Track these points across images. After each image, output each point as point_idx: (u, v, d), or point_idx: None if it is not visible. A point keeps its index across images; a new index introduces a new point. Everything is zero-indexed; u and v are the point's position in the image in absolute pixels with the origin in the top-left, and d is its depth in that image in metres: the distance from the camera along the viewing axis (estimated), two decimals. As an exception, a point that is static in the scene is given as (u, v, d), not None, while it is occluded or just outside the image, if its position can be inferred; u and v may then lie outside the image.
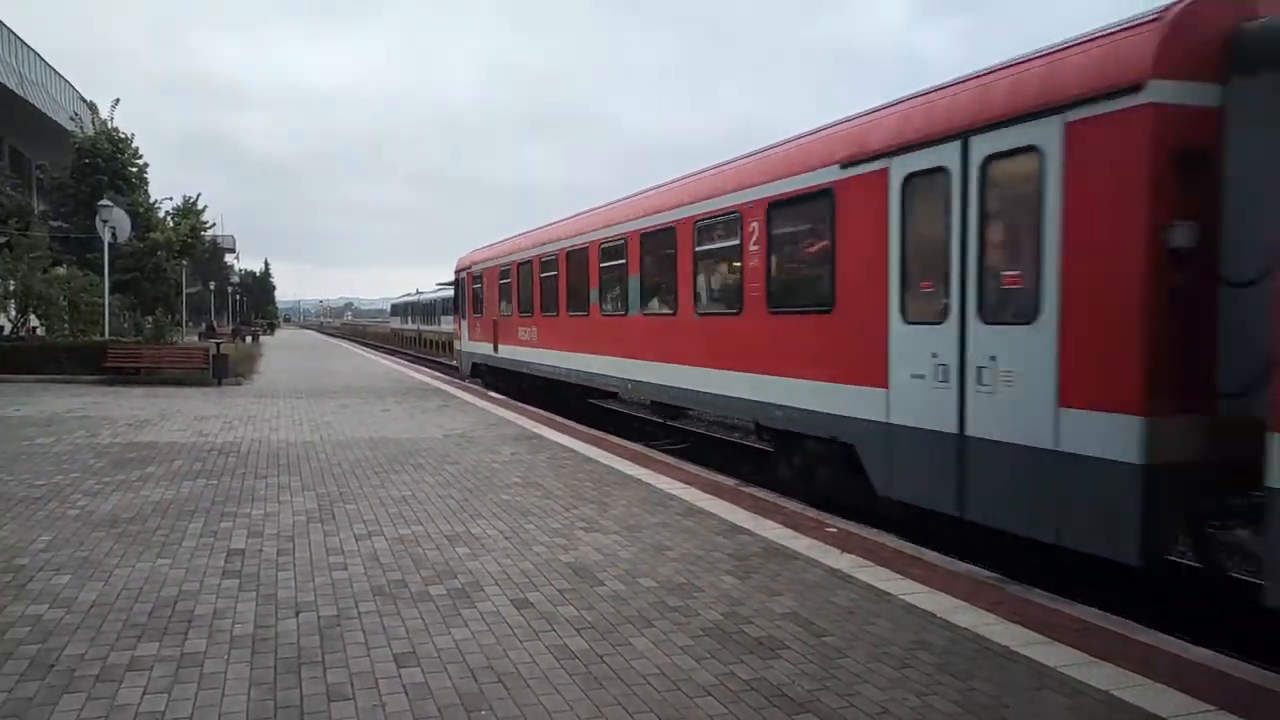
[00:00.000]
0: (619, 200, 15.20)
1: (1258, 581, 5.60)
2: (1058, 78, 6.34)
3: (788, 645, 4.89)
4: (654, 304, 13.20)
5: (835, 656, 4.74)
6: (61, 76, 38.39)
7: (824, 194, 8.87)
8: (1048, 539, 6.36)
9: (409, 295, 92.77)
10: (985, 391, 6.87)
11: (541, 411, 16.45)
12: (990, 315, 6.85)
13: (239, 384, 22.66)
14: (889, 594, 5.80)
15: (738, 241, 10.55)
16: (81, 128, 34.32)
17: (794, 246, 9.98)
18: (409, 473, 9.99)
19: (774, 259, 10.04)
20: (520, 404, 17.79)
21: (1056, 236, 6.26)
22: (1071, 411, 6.16)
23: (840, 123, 9.09)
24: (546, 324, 18.09)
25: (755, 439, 12.51)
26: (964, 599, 5.67)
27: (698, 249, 11.60)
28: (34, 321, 26.71)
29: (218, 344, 25.97)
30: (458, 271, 26.68)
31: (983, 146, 6.90)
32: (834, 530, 7.52)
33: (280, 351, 43.04)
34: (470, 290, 25.07)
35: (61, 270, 27.70)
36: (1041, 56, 6.64)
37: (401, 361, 35.94)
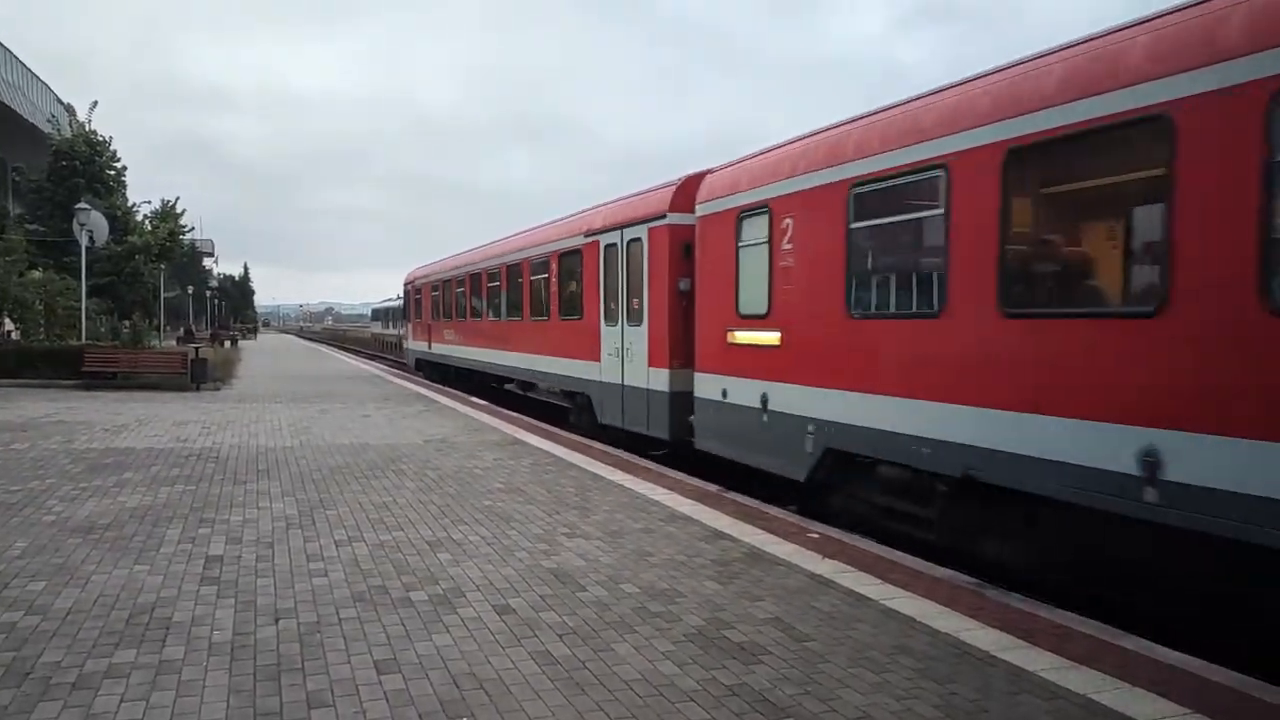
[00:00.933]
0: (498, 240, 21.79)
1: (708, 449, 11.19)
2: (645, 208, 12.85)
3: (770, 650, 4.91)
4: (512, 313, 19.55)
5: (817, 661, 4.75)
6: (39, 79, 38.06)
7: (576, 252, 15.24)
8: (643, 431, 12.73)
9: (391, 300, 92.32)
10: (629, 361, 13.17)
11: (522, 417, 16.46)
12: (629, 321, 13.15)
13: (218, 389, 22.47)
14: (870, 599, 5.82)
15: (547, 275, 16.83)
16: (59, 130, 34.02)
17: (570, 279, 15.75)
18: (390, 478, 9.94)
19: (561, 286, 16.24)
20: (501, 410, 17.77)
21: (647, 281, 12.55)
22: (652, 369, 12.46)
23: (584, 211, 15.69)
24: (460, 327, 24.54)
25: (563, 399, 17.46)
26: (944, 604, 5.71)
27: (533, 277, 17.87)
28: (9, 325, 26.42)
29: (196, 348, 25.75)
30: (405, 285, 33.04)
31: (627, 234, 13.25)
32: (816, 536, 7.55)
33: (260, 356, 42.73)
34: (413, 300, 31.73)
35: (38, 274, 27.41)
36: (640, 195, 13.39)
37: (382, 367, 35.75)
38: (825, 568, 6.55)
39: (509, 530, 7.58)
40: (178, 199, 38.12)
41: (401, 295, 35.24)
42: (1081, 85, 6.18)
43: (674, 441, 11.97)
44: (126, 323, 27.84)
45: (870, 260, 8.44)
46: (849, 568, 6.55)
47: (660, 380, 12.13)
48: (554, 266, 16.35)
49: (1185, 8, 5.61)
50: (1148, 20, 5.88)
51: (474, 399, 20.20)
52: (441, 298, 26.71)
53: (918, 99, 7.97)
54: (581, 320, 14.85)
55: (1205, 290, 5.31)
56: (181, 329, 58.10)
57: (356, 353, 53.81)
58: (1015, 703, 4.26)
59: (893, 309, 8.17)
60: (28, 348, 23.45)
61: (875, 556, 6.91)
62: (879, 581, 6.21)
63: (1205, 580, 5.68)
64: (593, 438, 13.58)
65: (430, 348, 28.25)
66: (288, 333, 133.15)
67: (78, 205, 26.34)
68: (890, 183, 7.86)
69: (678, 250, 11.87)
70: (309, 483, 9.65)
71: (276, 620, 5.26)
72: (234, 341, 56.53)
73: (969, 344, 6.98)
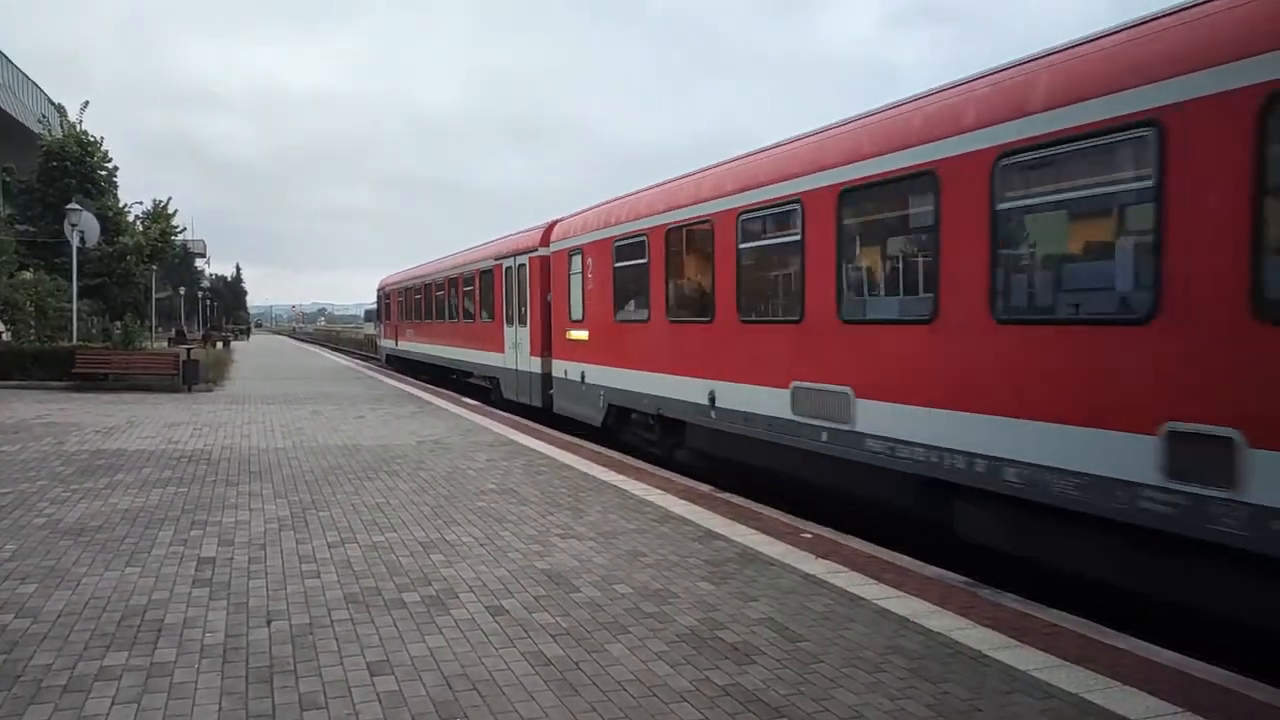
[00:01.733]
0: (444, 256, 27.13)
1: (559, 410, 15.92)
2: (526, 242, 17.48)
3: (763, 650, 4.91)
4: (452, 317, 24.74)
5: (810, 661, 4.76)
6: (29, 79, 37.89)
7: (490, 271, 20.24)
8: (527, 402, 17.18)
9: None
10: (519, 352, 17.83)
11: (514, 417, 16.45)
12: (520, 324, 17.78)
13: (209, 390, 22.41)
14: (863, 599, 5.83)
15: (473, 288, 22.19)
16: (49, 130, 33.84)
17: (488, 291, 20.69)
18: (383, 479, 9.93)
19: (482, 297, 21.31)
20: (494, 410, 17.77)
21: (527, 295, 17.26)
22: (532, 357, 16.89)
23: (500, 238, 20.76)
24: (417, 328, 30.07)
25: (486, 383, 22.08)
26: (937, 604, 5.72)
27: (465, 289, 23.14)
28: (0, 327, 26.26)
29: (188, 349, 25.66)
30: (377, 290, 39.08)
31: (518, 260, 17.98)
32: (809, 536, 7.56)
33: (252, 357, 42.61)
34: (383, 304, 37.72)
35: (28, 275, 27.26)
36: (525, 232, 18.17)
37: (375, 368, 35.66)
38: (818, 568, 6.56)
39: (502, 531, 7.57)
40: (169, 199, 37.98)
41: (376, 300, 40.97)
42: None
43: (543, 408, 16.69)
44: (118, 324, 27.71)
45: (621, 287, 13.36)
46: (842, 568, 6.57)
47: (535, 365, 17.10)
48: (478, 281, 21.70)
49: (946, 89, 7.49)
50: (923, 96, 7.78)
51: (466, 399, 20.20)
52: (405, 303, 32.35)
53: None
54: (493, 323, 20.14)
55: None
56: (173, 330, 57.82)
57: (349, 353, 53.67)
58: (1008, 702, 4.27)
59: (630, 318, 13.04)
60: (18, 349, 23.32)
61: (868, 556, 6.92)
62: (872, 581, 6.22)
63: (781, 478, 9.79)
64: (503, 409, 18.36)
65: (397, 345, 33.85)
66: (280, 333, 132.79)
67: (69, 205, 26.22)
68: (630, 240, 12.96)
69: (544, 273, 16.67)
70: (301, 484, 9.63)
71: (269, 622, 5.25)
72: (226, 343, 56.30)
73: (658, 339, 12.10)
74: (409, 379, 27.45)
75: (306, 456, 11.56)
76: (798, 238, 8.99)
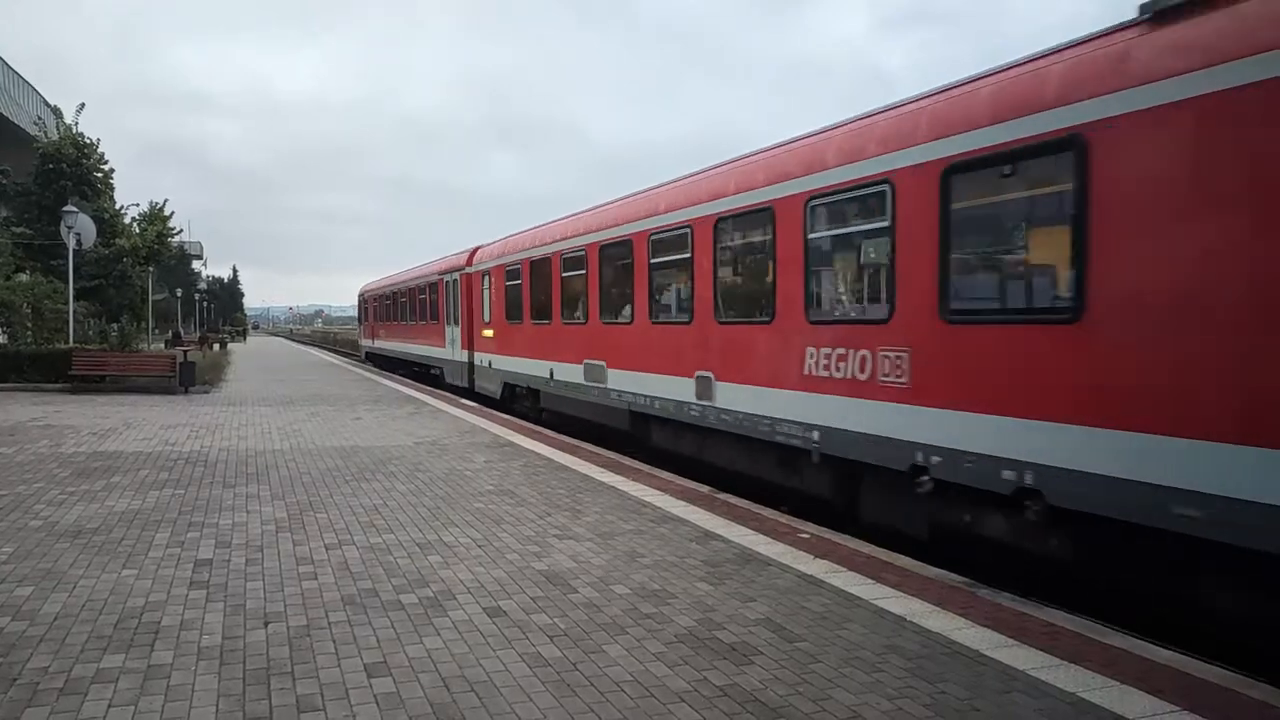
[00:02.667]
0: (405, 269, 33.52)
1: (479, 389, 21.71)
2: (457, 262, 23.56)
3: (761, 651, 4.91)
4: (410, 318, 30.49)
5: (808, 662, 4.76)
6: (25, 81, 37.79)
7: (435, 283, 26.08)
8: (459, 384, 23.21)
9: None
10: (454, 346, 24.00)
11: (512, 419, 16.45)
12: (453, 323, 24.04)
13: (206, 392, 22.38)
14: (861, 599, 5.83)
15: (424, 296, 27.59)
16: (45, 133, 33.76)
17: (434, 299, 26.19)
18: (380, 481, 9.92)
19: (430, 303, 26.67)
20: (493, 411, 17.76)
21: (459, 304, 23.22)
22: (462, 350, 23.07)
23: (443, 258, 26.21)
24: (387, 328, 36.25)
25: (436, 372, 26.86)
26: (935, 603, 5.72)
27: (419, 297, 28.72)
28: (-4, 329, 26.19)
29: (184, 351, 25.62)
30: (358, 295, 46.53)
31: (453, 275, 23.94)
32: (807, 536, 7.56)
33: (249, 359, 42.56)
34: (363, 308, 45.03)
35: (25, 277, 27.22)
36: (457, 254, 24.23)
37: (372, 369, 35.63)
38: (816, 568, 6.56)
39: (500, 532, 7.57)
40: (166, 201, 37.86)
41: (357, 304, 48.47)
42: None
43: (468, 389, 22.39)
44: (114, 326, 27.66)
45: (509, 300, 18.79)
46: (840, 568, 6.57)
47: (464, 356, 22.94)
48: (428, 292, 27.57)
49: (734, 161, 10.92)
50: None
51: (464, 400, 20.19)
52: (378, 308, 38.72)
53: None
54: (438, 324, 26.03)
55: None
56: (170, 332, 57.74)
57: (346, 355, 53.59)
58: (1005, 701, 4.27)
59: (514, 321, 18.44)
60: (15, 351, 23.26)
61: (866, 556, 6.93)
62: (870, 581, 6.22)
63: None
64: (449, 391, 23.41)
65: (373, 343, 40.31)
66: (277, 335, 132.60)
67: (65, 208, 26.13)
68: (512, 266, 18.34)
69: (468, 287, 22.57)
70: (299, 486, 9.62)
71: (266, 624, 5.24)
72: (223, 344, 56.24)
73: (528, 336, 17.42)
74: (407, 381, 27.45)
75: (304, 458, 11.55)
76: (583, 271, 14.61)
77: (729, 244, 10.64)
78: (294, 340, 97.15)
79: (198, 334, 64.11)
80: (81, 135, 34.07)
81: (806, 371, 8.85)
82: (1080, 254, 6.01)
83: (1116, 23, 6.15)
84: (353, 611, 5.49)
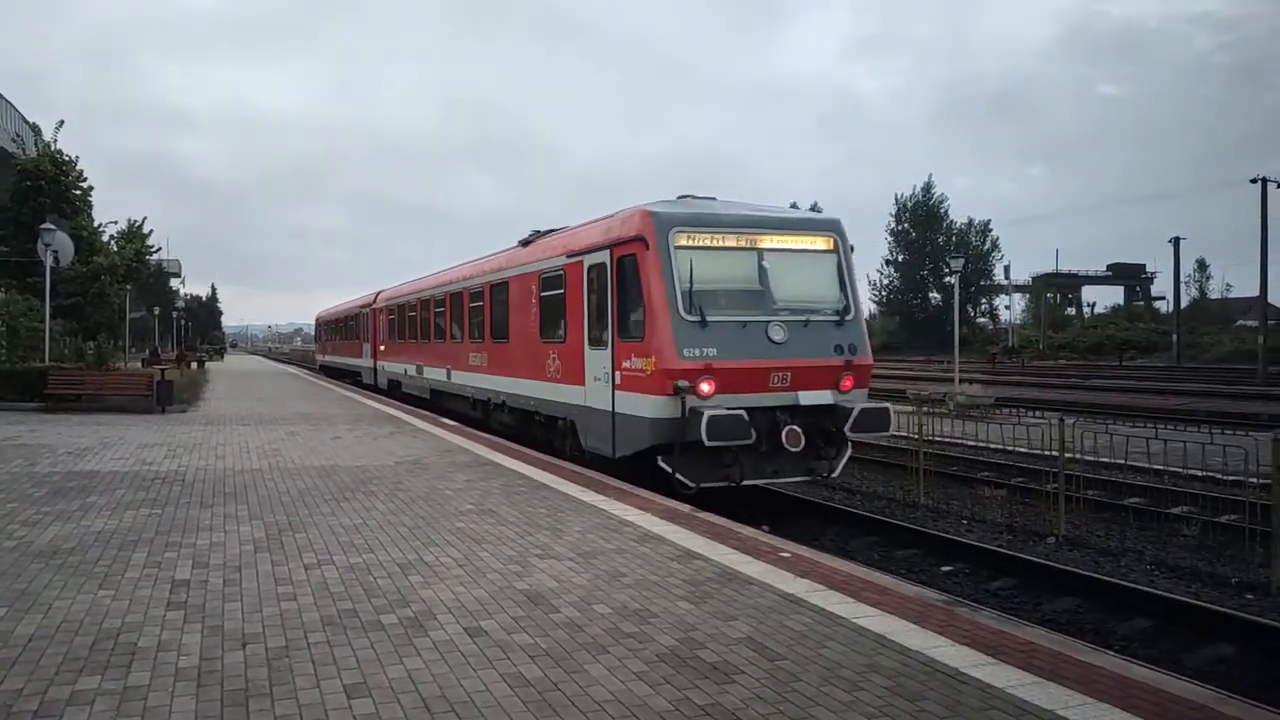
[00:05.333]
0: (343, 301, 45.31)
1: (381, 386, 32.32)
2: (368, 300, 34.76)
3: (742, 670, 4.92)
4: (345, 337, 41.59)
5: (789, 680, 4.78)
6: (3, 98, 37.57)
7: (355, 315, 38.00)
8: (371, 384, 33.65)
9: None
10: (368, 358, 34.88)
11: (494, 438, 16.39)
12: (366, 340, 35.10)
13: (184, 411, 22.18)
14: (842, 617, 5.86)
15: (354, 321, 38.56)
16: (24, 150, 33.56)
17: (359, 324, 36.95)
18: (360, 500, 9.87)
19: (360, 326, 36.48)
20: (473, 430, 17.69)
21: (370, 328, 34.13)
22: (370, 359, 34.24)
23: (366, 294, 36.23)
24: (332, 345, 46.42)
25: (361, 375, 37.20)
26: (915, 621, 5.76)
27: (349, 321, 40.04)
28: (-29, 347, 25.85)
29: (162, 370, 25.40)
30: (315, 321, 58.45)
31: (367, 309, 34.76)
32: (788, 555, 7.58)
33: (227, 378, 42.24)
34: (318, 329, 55.76)
35: (1, 295, 26.94)
36: (371, 293, 34.97)
37: (353, 389, 35.45)
38: (797, 586, 6.59)
39: (481, 552, 7.55)
40: (144, 219, 37.68)
41: (313, 326, 64.44)
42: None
43: (374, 385, 32.19)
44: (91, 344, 27.40)
45: (393, 327, 29.59)
46: (820, 586, 6.59)
47: (370, 363, 33.38)
48: (355, 319, 37.57)
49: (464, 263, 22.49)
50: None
51: (444, 420, 20.11)
52: (326, 329, 50.16)
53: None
54: (359, 342, 36.40)
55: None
56: (147, 350, 57.21)
57: (339, 377, 53.37)
58: (985, 719, 4.30)
59: (395, 341, 29.39)
60: (-11, 370, 23.00)
61: (847, 574, 6.96)
62: (850, 600, 6.25)
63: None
64: (370, 390, 31.91)
65: (324, 357, 50.19)
66: (256, 353, 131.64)
67: (43, 225, 25.94)
68: (392, 306, 29.91)
69: (375, 318, 32.51)
70: (277, 505, 9.56)
71: (244, 645, 5.20)
72: (201, 363, 55.76)
73: (396, 349, 29.41)
74: (388, 400, 27.33)
75: (283, 478, 11.47)
76: (414, 314, 26.02)
77: (488, 299, 18.53)
78: (272, 359, 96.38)
79: (175, 352, 63.54)
80: (60, 152, 33.89)
81: (502, 366, 17.62)
82: (538, 315, 15.44)
83: (516, 242, 17.37)
84: (332, 632, 5.46)
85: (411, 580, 6.65)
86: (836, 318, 12.03)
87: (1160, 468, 13.65)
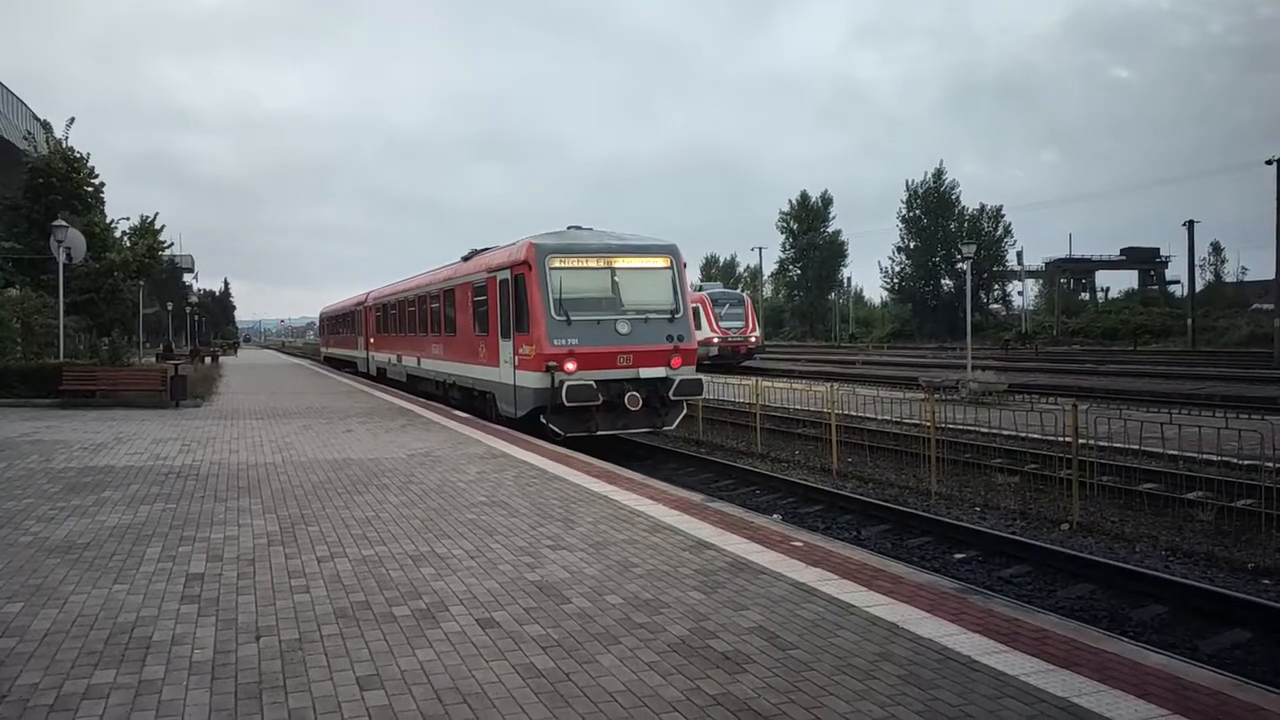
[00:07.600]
0: (340, 299, 50.03)
1: (371, 373, 37.11)
2: (361, 299, 39.04)
3: (754, 659, 4.92)
4: (341, 331, 46.80)
5: (801, 669, 4.77)
6: (14, 95, 37.77)
7: (350, 312, 43.30)
8: (364, 372, 38.15)
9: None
10: (362, 349, 38.86)
11: (506, 429, 16.42)
12: (360, 334, 39.08)
13: (197, 406, 22.30)
14: (854, 606, 5.84)
15: (350, 316, 42.58)
16: (35, 147, 33.71)
17: (354, 320, 40.78)
18: (373, 493, 9.90)
19: (354, 323, 40.76)
20: (485, 423, 17.73)
21: (363, 323, 38.26)
22: (364, 350, 38.35)
23: (360, 293, 40.25)
24: (334, 339, 50.80)
25: (357, 365, 41.42)
26: (927, 610, 5.74)
27: (345, 317, 44.53)
28: (-15, 344, 26.05)
29: (175, 365, 25.54)
30: (319, 316, 62.61)
31: (360, 306, 39.14)
32: (799, 544, 7.57)
33: (240, 372, 42.46)
34: (322, 324, 60.15)
35: (14, 292, 27.10)
36: (363, 293, 39.09)
37: (365, 383, 35.58)
38: (809, 576, 6.57)
39: (492, 543, 7.56)
40: (156, 215, 37.85)
41: (317, 321, 68.16)
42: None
43: (372, 376, 34.79)
44: (105, 340, 27.57)
45: (380, 323, 33.84)
46: (832, 575, 6.58)
47: (364, 354, 37.41)
48: (352, 314, 40.95)
49: (435, 270, 26.63)
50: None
51: (457, 412, 20.17)
52: (327, 324, 54.78)
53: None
54: (354, 335, 39.87)
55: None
56: (161, 345, 57.58)
57: (339, 366, 53.56)
58: (997, 708, 4.29)
59: (384, 333, 33.00)
60: (4, 367, 23.16)
61: (859, 563, 6.94)
62: (862, 588, 6.24)
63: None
64: (365, 377, 35.54)
65: (327, 350, 54.99)
66: (269, 348, 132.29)
67: (55, 222, 26.07)
68: (382, 304, 33.29)
69: (366, 314, 36.43)
70: (291, 499, 9.60)
71: (258, 638, 5.23)
72: (214, 358, 56.07)
73: (382, 341, 33.54)
74: (400, 394, 27.41)
75: (296, 471, 11.53)
76: (395, 312, 29.96)
77: (442, 301, 22.67)
78: (286, 353, 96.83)
79: (189, 347, 63.91)
80: (71, 150, 34.03)
81: (458, 355, 21.26)
82: (472, 316, 19.87)
83: (460, 256, 22.34)
84: (345, 624, 5.48)
85: (424, 572, 6.67)
86: (669, 316, 16.44)
87: (1175, 453, 13.53)
